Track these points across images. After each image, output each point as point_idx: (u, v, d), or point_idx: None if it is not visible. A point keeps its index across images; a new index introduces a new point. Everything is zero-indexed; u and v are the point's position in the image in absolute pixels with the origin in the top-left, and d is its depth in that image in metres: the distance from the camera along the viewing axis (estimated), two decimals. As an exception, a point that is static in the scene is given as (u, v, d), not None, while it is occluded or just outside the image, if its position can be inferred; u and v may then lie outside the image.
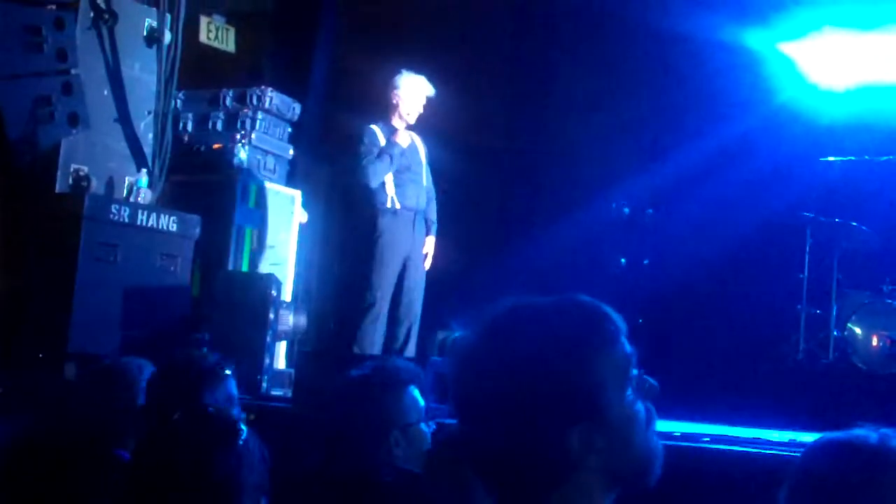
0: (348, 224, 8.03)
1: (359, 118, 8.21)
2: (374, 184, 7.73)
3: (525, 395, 1.76)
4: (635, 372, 1.85)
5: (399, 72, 8.00)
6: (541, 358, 1.78)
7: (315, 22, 10.36)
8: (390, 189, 7.83)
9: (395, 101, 7.92)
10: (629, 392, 1.83)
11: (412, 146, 8.00)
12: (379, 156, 7.74)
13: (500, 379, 1.79)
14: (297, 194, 9.05)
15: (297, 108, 9.23)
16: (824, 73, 9.94)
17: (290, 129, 9.20)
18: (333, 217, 9.94)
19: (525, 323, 1.83)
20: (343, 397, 3.43)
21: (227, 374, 3.74)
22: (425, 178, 8.09)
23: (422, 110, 7.97)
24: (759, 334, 9.17)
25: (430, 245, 8.09)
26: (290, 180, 9.22)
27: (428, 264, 8.08)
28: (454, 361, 1.89)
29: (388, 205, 7.83)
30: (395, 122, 7.93)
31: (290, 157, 9.18)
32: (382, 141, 7.83)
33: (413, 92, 7.93)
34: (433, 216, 8.13)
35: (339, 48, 10.49)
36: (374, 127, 7.91)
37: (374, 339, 7.76)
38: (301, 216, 9.04)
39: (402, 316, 7.91)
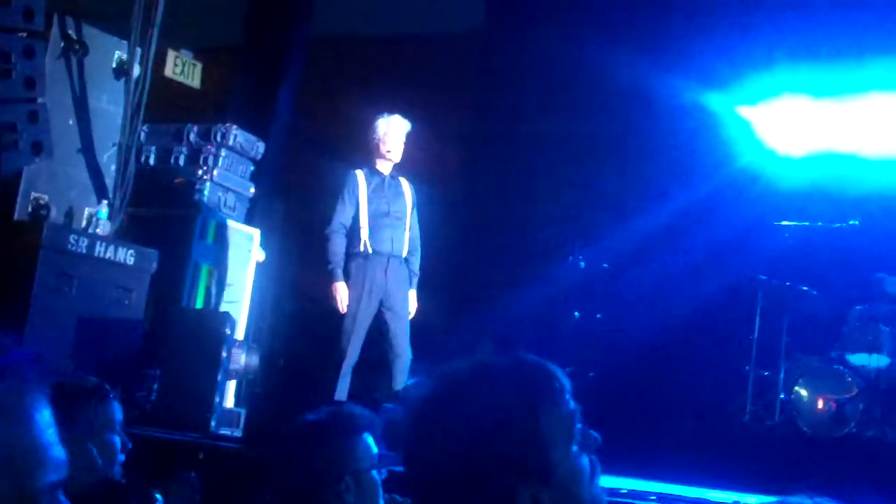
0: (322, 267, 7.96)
1: (321, 159, 8.22)
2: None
3: (474, 452, 1.80)
4: (579, 426, 1.89)
5: (377, 117, 8.02)
6: (489, 416, 1.81)
7: (282, 62, 10.42)
8: (364, 233, 7.81)
9: (375, 143, 7.94)
10: (574, 447, 1.88)
11: (395, 190, 8.00)
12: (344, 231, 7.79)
13: (449, 436, 1.82)
14: (255, 233, 9.05)
15: (261, 146, 9.25)
16: (783, 139, 10.14)
17: (252, 168, 9.21)
18: (290, 255, 9.95)
19: (475, 381, 1.87)
20: (297, 441, 3.43)
21: (110, 397, 3.70)
22: (409, 224, 8.00)
23: (402, 146, 7.96)
24: (708, 394, 9.27)
25: (411, 297, 7.93)
26: (250, 218, 9.22)
27: (411, 315, 7.95)
28: (405, 413, 1.92)
29: (361, 248, 7.79)
30: (380, 164, 7.94)
31: (250, 195, 9.18)
32: (363, 186, 7.85)
33: (391, 130, 7.94)
34: (415, 267, 7.99)
35: (305, 89, 10.55)
36: (357, 172, 7.92)
37: (344, 382, 7.69)
38: (259, 255, 9.04)
39: (390, 361, 7.81)
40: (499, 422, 1.81)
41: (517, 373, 1.88)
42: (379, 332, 7.83)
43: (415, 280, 7.96)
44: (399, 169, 8.00)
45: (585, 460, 1.89)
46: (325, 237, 7.77)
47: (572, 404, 1.88)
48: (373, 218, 7.79)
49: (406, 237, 7.94)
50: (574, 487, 1.86)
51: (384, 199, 7.85)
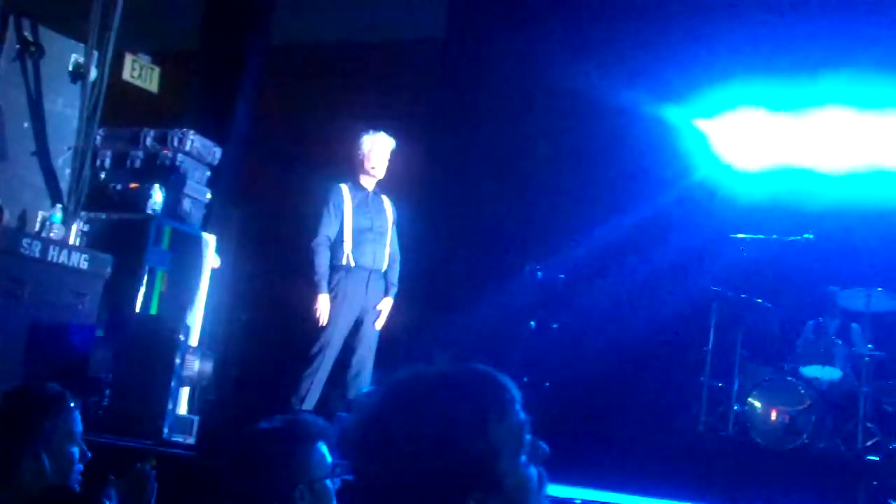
0: (305, 278, 7.97)
1: (279, 167, 8.21)
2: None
3: (422, 462, 1.80)
4: (528, 437, 1.90)
5: (366, 131, 8.07)
6: (437, 426, 1.82)
7: (240, 68, 10.38)
8: (347, 246, 7.87)
9: (360, 159, 8.00)
10: (523, 458, 1.88)
11: (377, 206, 8.06)
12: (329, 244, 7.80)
13: (397, 445, 1.82)
14: (211, 239, 9.00)
15: (218, 152, 9.20)
16: (740, 152, 10.22)
17: (209, 173, 9.16)
18: (246, 262, 9.90)
19: (424, 391, 1.88)
20: (251, 448, 3.41)
21: (71, 406, 3.67)
22: (390, 239, 8.10)
23: (386, 163, 8.04)
24: (663, 404, 9.31)
25: (386, 305, 8.03)
26: (206, 224, 9.17)
27: (380, 324, 8.03)
28: (354, 422, 1.92)
29: (343, 262, 7.85)
30: (363, 179, 8.01)
31: (206, 201, 9.13)
32: (348, 200, 7.89)
33: (375, 147, 8.00)
34: (394, 279, 8.10)
35: (264, 95, 10.51)
36: (342, 186, 7.97)
37: (313, 392, 7.71)
38: (214, 261, 8.98)
39: (353, 373, 7.86)
40: (447, 432, 1.81)
41: (466, 383, 1.89)
42: (348, 344, 7.87)
43: (393, 291, 8.08)
44: (381, 185, 8.07)
45: (533, 471, 1.90)
46: (311, 249, 7.83)
47: (521, 415, 1.90)
48: (356, 233, 7.87)
49: (387, 252, 8.06)
50: (521, 498, 1.87)
51: (367, 214, 7.98)
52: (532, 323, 9.54)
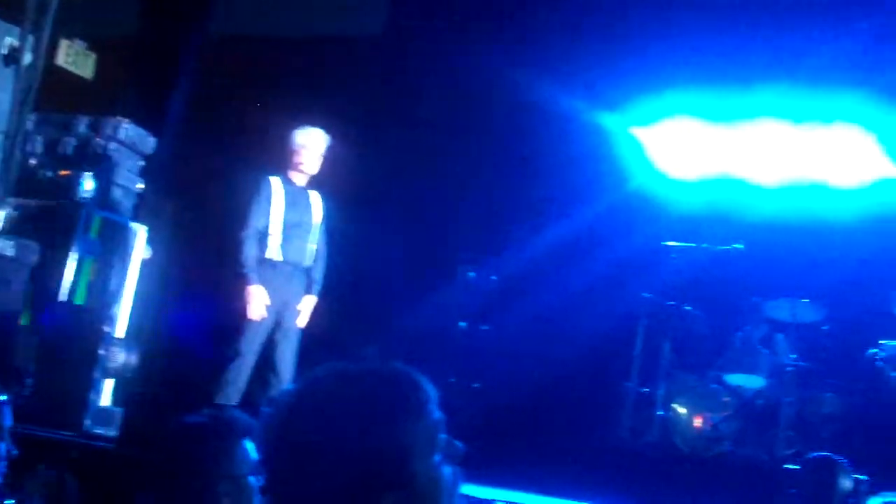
0: (229, 270, 7.89)
1: (215, 158, 8.14)
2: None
3: (335, 463, 1.81)
4: (443, 437, 1.91)
5: (298, 126, 8.01)
6: (350, 425, 1.83)
7: (178, 57, 10.29)
8: (274, 241, 7.81)
9: (291, 154, 7.93)
10: (436, 457, 1.89)
11: (307, 202, 7.99)
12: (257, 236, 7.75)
13: (310, 443, 1.83)
14: (142, 229, 8.89)
15: (152, 142, 9.09)
16: (675, 162, 10.30)
17: (142, 163, 9.05)
18: (177, 255, 9.80)
19: (337, 390, 1.89)
20: (176, 442, 3.39)
21: (2, 402, 3.61)
22: (317, 236, 8.04)
23: (319, 160, 7.98)
24: (589, 408, 9.37)
25: (308, 303, 7.98)
26: (137, 215, 9.05)
27: (302, 322, 7.98)
28: (268, 420, 1.92)
29: (269, 255, 7.80)
30: (294, 175, 7.95)
31: (138, 191, 9.02)
32: (278, 194, 7.83)
33: (308, 143, 7.95)
34: (318, 276, 8.04)
35: (201, 86, 10.42)
36: (272, 179, 7.90)
37: (238, 387, 7.65)
38: (144, 252, 8.88)
39: (275, 369, 7.81)
40: (358, 431, 1.82)
41: (380, 382, 1.91)
42: (271, 339, 7.83)
43: (316, 288, 8.02)
44: (313, 181, 8.02)
45: (447, 470, 1.91)
46: (239, 240, 7.76)
47: (436, 415, 1.91)
48: (284, 227, 7.81)
49: (313, 249, 8.00)
50: (434, 497, 1.88)
51: (296, 209, 7.90)
52: (462, 324, 9.57)
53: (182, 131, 10.27)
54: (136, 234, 8.81)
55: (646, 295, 9.20)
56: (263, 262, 7.82)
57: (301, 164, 7.93)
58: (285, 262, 7.86)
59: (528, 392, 9.62)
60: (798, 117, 9.96)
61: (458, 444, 1.96)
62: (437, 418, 1.91)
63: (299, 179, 8.00)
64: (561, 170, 10.16)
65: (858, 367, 8.89)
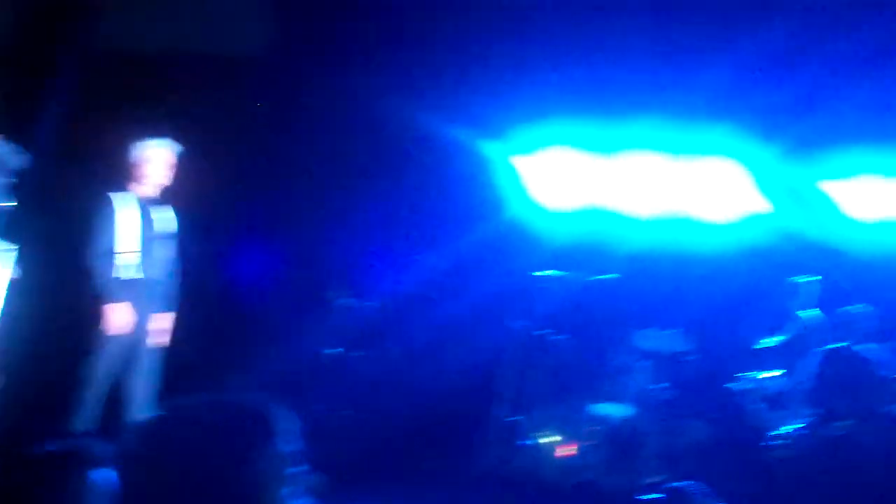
0: (88, 290, 7.76)
1: (90, 176, 8.02)
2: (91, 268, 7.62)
3: (187, 493, 1.80)
4: (300, 468, 1.92)
5: (142, 141, 7.89)
6: (203, 456, 1.82)
7: (52, 71, 10.11)
8: (124, 258, 7.69)
9: (136, 167, 7.83)
10: (289, 489, 1.90)
11: (158, 216, 7.90)
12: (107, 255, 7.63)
13: (163, 475, 1.82)
14: (10, 248, 8.70)
15: (22, 158, 8.91)
16: (551, 191, 10.38)
17: (11, 179, 8.87)
18: (45, 273, 9.61)
19: (192, 422, 1.88)
20: (24, 475, 3.33)
21: None
22: (170, 251, 7.95)
23: (166, 173, 7.87)
24: (457, 437, 9.37)
25: (163, 320, 7.89)
26: (6, 233, 8.86)
27: (159, 339, 7.86)
28: (127, 447, 1.92)
29: (121, 273, 7.68)
30: (141, 189, 7.83)
31: (6, 209, 8.83)
32: (126, 211, 7.72)
33: (153, 156, 7.85)
34: (172, 291, 7.96)
35: (74, 101, 10.25)
36: (118, 196, 7.77)
37: (91, 411, 7.52)
38: (12, 272, 8.69)
39: (132, 392, 7.69)
40: (212, 462, 1.82)
41: (234, 415, 1.91)
42: (126, 360, 7.72)
43: (171, 304, 7.89)
44: (164, 193, 7.91)
45: (301, 503, 1.92)
46: (90, 260, 7.61)
47: (287, 448, 1.90)
48: (136, 243, 7.69)
49: (166, 265, 7.87)
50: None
51: (146, 224, 7.76)
52: (333, 351, 9.54)
53: (56, 147, 10.09)
54: (4, 254, 8.62)
55: (517, 324, 9.27)
56: (116, 280, 7.68)
57: (146, 177, 7.82)
58: (138, 279, 7.73)
59: (396, 420, 9.61)
60: (672, 150, 10.13)
61: (320, 475, 1.97)
62: (289, 451, 1.91)
63: (147, 193, 7.87)
64: (439, 197, 10.19)
65: (721, 397, 9.07)
